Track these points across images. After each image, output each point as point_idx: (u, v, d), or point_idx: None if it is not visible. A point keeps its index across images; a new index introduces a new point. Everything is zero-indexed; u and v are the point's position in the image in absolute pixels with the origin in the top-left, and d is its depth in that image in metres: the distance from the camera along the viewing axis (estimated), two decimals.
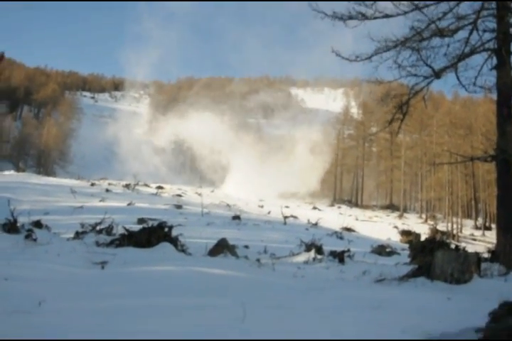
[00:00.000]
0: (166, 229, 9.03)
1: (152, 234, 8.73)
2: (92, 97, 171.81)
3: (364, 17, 12.45)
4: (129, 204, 25.12)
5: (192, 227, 16.59)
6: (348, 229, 29.86)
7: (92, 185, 39.53)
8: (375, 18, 12.51)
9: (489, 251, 12.30)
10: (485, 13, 12.46)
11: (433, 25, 12.30)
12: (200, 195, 38.46)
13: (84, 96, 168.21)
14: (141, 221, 16.58)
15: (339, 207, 66.13)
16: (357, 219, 49.38)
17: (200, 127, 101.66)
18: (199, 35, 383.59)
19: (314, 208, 57.44)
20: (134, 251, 8.10)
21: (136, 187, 40.03)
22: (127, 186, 40.52)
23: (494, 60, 12.58)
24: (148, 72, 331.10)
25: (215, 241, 10.36)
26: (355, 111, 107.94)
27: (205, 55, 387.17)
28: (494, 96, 12.96)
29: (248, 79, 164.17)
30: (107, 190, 34.08)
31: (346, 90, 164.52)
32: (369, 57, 12.83)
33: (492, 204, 54.30)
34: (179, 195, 40.59)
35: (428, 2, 12.25)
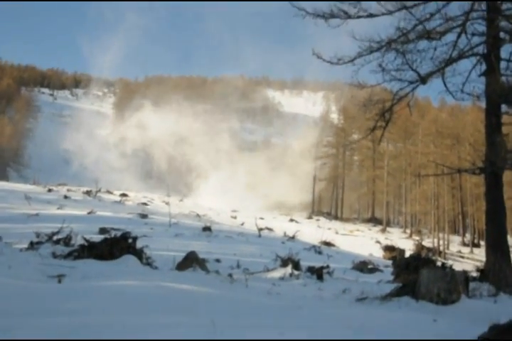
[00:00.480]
0: (130, 240, 8.96)
1: (115, 246, 8.65)
2: (51, 94, 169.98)
3: (347, 16, 12.54)
4: (89, 213, 24.87)
5: (158, 239, 16.50)
6: (328, 244, 29.98)
7: (49, 190, 39.06)
8: (359, 17, 12.61)
9: (478, 269, 12.44)
10: (474, 15, 12.62)
11: (420, 27, 12.44)
12: (167, 203, 38.25)
13: (43, 93, 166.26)
14: (102, 231, 16.43)
15: (318, 220, 66.36)
16: (337, 233, 49.67)
17: (170, 130, 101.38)
18: (169, 29, 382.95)
19: (291, 220, 57.59)
20: (95, 264, 8.00)
21: (98, 194, 39.70)
22: (88, 193, 40.16)
23: (483, 66, 12.75)
24: (113, 69, 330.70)
25: (183, 254, 10.30)
26: (335, 116, 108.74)
27: (176, 52, 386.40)
28: (483, 104, 13.11)
29: (221, 78, 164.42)
30: (66, 197, 33.71)
31: (327, 94, 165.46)
32: (352, 60, 12.91)
33: (481, 219, 55.11)
34: (145, 204, 40.37)
35: (415, 1, 12.40)
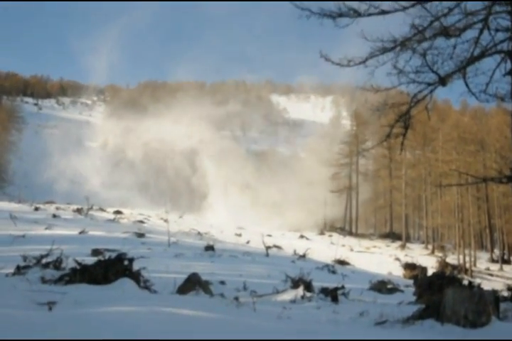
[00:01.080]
0: (126, 262, 8.95)
1: (109, 268, 8.64)
2: (36, 104, 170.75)
3: (356, 14, 12.54)
4: (81, 233, 24.89)
5: (157, 259, 16.51)
6: (342, 262, 29.94)
7: (36, 209, 39.13)
8: (370, 14, 12.63)
9: (509, 288, 12.35)
10: (497, 8, 12.62)
11: (437, 23, 12.44)
12: (166, 221, 38.29)
13: (26, 102, 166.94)
14: (96, 252, 16.44)
15: (330, 236, 66.29)
16: (352, 250, 49.60)
17: (168, 141, 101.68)
18: (163, 30, 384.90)
19: (301, 237, 57.60)
20: (88, 289, 7.99)
21: (90, 212, 39.78)
22: (79, 211, 40.22)
23: (508, 64, 12.75)
24: (103, 75, 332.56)
25: (184, 276, 10.29)
26: (347, 122, 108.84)
27: (170, 56, 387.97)
28: (509, 106, 13.12)
29: (221, 84, 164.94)
30: (55, 216, 33.75)
31: (336, 98, 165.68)
32: (363, 61, 12.93)
33: (511, 233, 54.87)
34: (141, 222, 40.43)
35: None
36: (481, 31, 12.48)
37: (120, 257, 8.98)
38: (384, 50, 12.64)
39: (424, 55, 12.43)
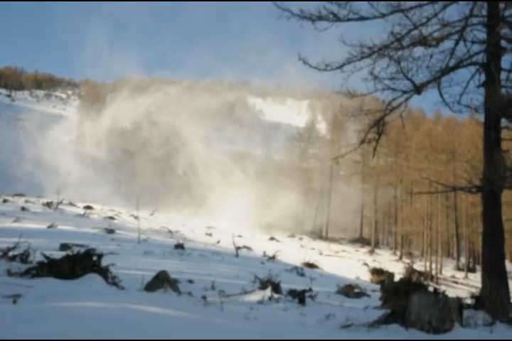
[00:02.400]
0: (95, 258, 8.88)
1: (77, 263, 8.57)
2: (8, 95, 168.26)
3: (336, 18, 12.62)
4: (50, 227, 24.63)
5: (126, 256, 16.39)
6: (311, 265, 30.01)
7: (5, 201, 38.67)
8: (349, 19, 12.72)
9: (473, 296, 12.49)
10: (474, 20, 12.80)
11: (415, 32, 12.58)
12: (136, 218, 38.09)
13: None
14: (64, 247, 16.27)
15: (301, 239, 66.62)
16: (321, 254, 49.85)
17: (140, 136, 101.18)
18: (139, 31, 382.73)
19: (272, 239, 57.72)
20: (55, 283, 7.92)
21: (60, 206, 39.37)
22: (48, 204, 39.78)
23: (482, 76, 12.92)
24: (79, 69, 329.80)
25: (153, 274, 10.23)
26: (322, 126, 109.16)
27: (148, 52, 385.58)
28: (481, 117, 13.24)
29: (197, 82, 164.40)
30: (23, 209, 33.34)
31: (312, 102, 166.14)
32: (341, 66, 13.01)
33: (477, 242, 55.62)
34: (111, 218, 40.10)
35: (409, 2, 12.50)
36: (457, 42, 12.64)
37: (89, 252, 8.91)
38: (362, 56, 12.73)
39: (398, 61, 12.53)
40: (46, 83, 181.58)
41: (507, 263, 13.26)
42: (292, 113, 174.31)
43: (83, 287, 7.84)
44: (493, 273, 11.81)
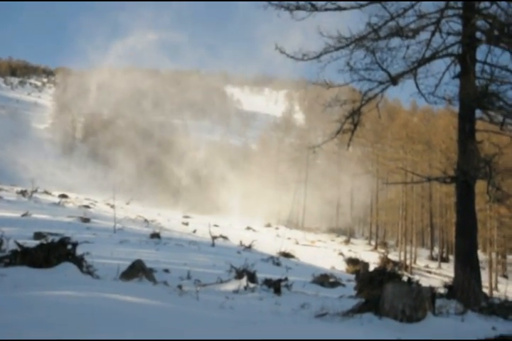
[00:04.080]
0: (70, 247, 8.82)
1: (52, 252, 8.50)
2: None
3: (313, 8, 12.61)
4: (24, 215, 24.44)
5: (101, 245, 16.33)
6: (287, 255, 30.12)
7: None
8: (326, 9, 12.71)
9: (446, 285, 12.64)
10: (450, 12, 12.87)
11: (392, 23, 12.60)
12: (112, 207, 37.82)
13: None
14: (38, 235, 16.16)
15: (277, 228, 66.63)
16: (297, 243, 49.97)
17: (117, 125, 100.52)
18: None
19: (248, 228, 57.71)
20: (29, 272, 7.87)
21: (34, 195, 39.03)
22: (23, 193, 39.43)
23: (457, 68, 13.00)
24: (55, 56, 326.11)
25: (129, 263, 10.22)
26: (299, 116, 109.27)
27: (126, 42, 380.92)
28: (456, 108, 13.33)
29: (175, 71, 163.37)
30: None
31: (290, 92, 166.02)
32: (318, 56, 13.01)
33: (450, 232, 56.12)
34: (87, 206, 39.85)
35: None
36: (433, 33, 12.68)
37: (63, 241, 8.84)
38: (339, 46, 12.74)
39: (373, 52, 12.56)
40: (21, 70, 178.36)
41: (479, 253, 13.41)
42: (270, 103, 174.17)
43: (58, 276, 7.79)
44: (465, 263, 11.94)
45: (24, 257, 8.41)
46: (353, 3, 12.55)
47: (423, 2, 12.70)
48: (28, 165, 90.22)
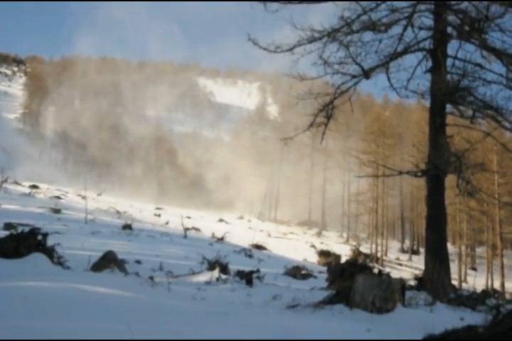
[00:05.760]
0: (40, 237, 8.75)
1: (21, 243, 8.42)
2: None
3: (287, 0, 12.64)
4: None
5: (73, 236, 16.17)
6: (259, 247, 30.19)
7: None
8: (300, 1, 12.75)
9: (416, 277, 12.82)
10: (422, 7, 12.99)
11: (365, 17, 12.69)
12: (84, 198, 37.53)
13: None
14: (8, 226, 15.94)
15: (249, 221, 66.78)
16: (269, 236, 50.18)
17: (88, 117, 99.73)
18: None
19: (220, 220, 57.76)
20: None
21: (4, 185, 38.52)
22: None
23: (429, 62, 13.15)
24: (25, 45, 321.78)
25: (100, 254, 10.15)
26: (273, 109, 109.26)
27: (96, 31, 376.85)
28: (427, 103, 13.47)
29: (147, 62, 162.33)
30: None
31: (263, 85, 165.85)
32: (291, 49, 13.05)
33: (421, 225, 56.78)
34: (58, 197, 39.46)
35: None
36: (405, 28, 12.81)
37: (33, 231, 8.78)
38: (312, 40, 12.79)
39: (347, 46, 12.63)
40: None
41: (449, 245, 13.61)
42: (243, 95, 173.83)
43: (28, 266, 7.74)
44: (435, 255, 12.11)
45: None
46: None
47: None
48: None
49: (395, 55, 13.00)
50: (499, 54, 12.25)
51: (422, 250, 53.71)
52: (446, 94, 12.44)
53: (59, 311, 5.04)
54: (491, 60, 12.59)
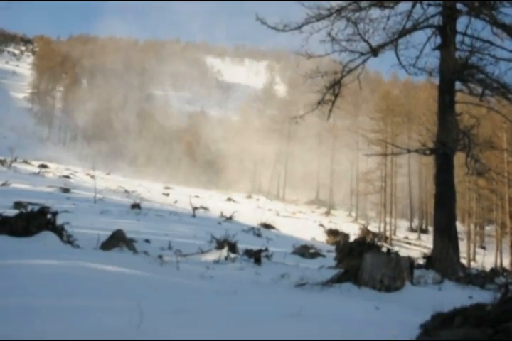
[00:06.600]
0: (49, 216, 8.81)
1: (31, 221, 8.47)
2: None
3: None
4: (3, 185, 24.34)
5: (82, 215, 16.27)
6: (267, 226, 30.30)
7: None
8: None
9: (424, 256, 12.83)
10: None
11: None
12: (93, 177, 37.67)
13: None
14: (18, 205, 16.07)
15: (258, 200, 66.87)
16: (278, 215, 50.27)
17: (98, 96, 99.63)
18: None
19: (229, 199, 57.89)
20: (8, 241, 7.85)
21: (14, 164, 38.80)
22: (2, 162, 39.15)
23: (438, 39, 12.99)
24: (33, 24, 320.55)
25: (109, 233, 10.20)
26: (280, 88, 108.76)
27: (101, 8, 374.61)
28: (436, 80, 13.37)
29: (154, 41, 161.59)
30: None
31: (271, 63, 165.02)
32: (299, 27, 12.94)
33: (430, 203, 56.67)
34: (67, 177, 39.67)
35: None
36: (414, 4, 12.66)
37: (43, 210, 8.83)
38: (319, 17, 12.67)
39: (355, 23, 12.52)
40: None
41: (458, 224, 13.58)
42: (250, 74, 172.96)
43: (37, 245, 7.79)
44: (443, 234, 12.09)
45: (3, 226, 8.37)
46: None
47: None
48: (6, 134, 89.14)
49: (404, 32, 12.86)
50: (510, 30, 12.10)
51: (430, 229, 53.71)
52: (455, 71, 12.33)
53: (69, 289, 5.07)
54: (503, 36, 12.43)
